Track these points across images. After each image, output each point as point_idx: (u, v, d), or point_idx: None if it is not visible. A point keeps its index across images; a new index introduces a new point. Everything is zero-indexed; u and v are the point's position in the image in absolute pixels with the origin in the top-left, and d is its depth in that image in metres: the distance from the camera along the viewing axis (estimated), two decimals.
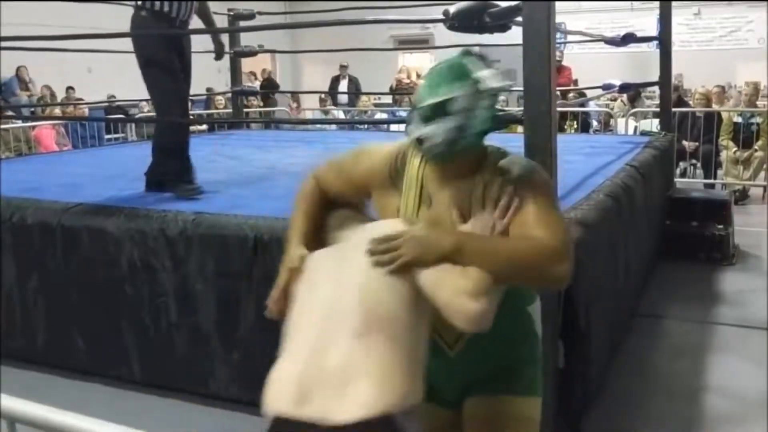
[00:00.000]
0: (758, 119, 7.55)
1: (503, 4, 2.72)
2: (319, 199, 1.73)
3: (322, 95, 9.95)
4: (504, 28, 2.76)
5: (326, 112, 9.61)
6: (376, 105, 10.99)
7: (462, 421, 1.71)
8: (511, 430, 1.66)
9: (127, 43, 3.66)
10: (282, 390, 1.39)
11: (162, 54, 3.53)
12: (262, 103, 10.02)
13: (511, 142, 2.71)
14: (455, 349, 1.63)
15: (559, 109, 8.25)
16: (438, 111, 1.48)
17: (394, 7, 5.31)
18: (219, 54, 4.35)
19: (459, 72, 1.50)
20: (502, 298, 1.48)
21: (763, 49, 12.55)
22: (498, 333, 1.49)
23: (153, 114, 4.98)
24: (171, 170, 3.62)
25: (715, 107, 7.94)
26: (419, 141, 1.52)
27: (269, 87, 11.08)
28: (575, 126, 8.49)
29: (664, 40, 5.53)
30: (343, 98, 10.27)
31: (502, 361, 1.68)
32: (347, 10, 5.50)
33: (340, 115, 9.51)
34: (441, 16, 2.83)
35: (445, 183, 1.58)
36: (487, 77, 1.49)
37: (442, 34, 14.23)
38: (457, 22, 2.80)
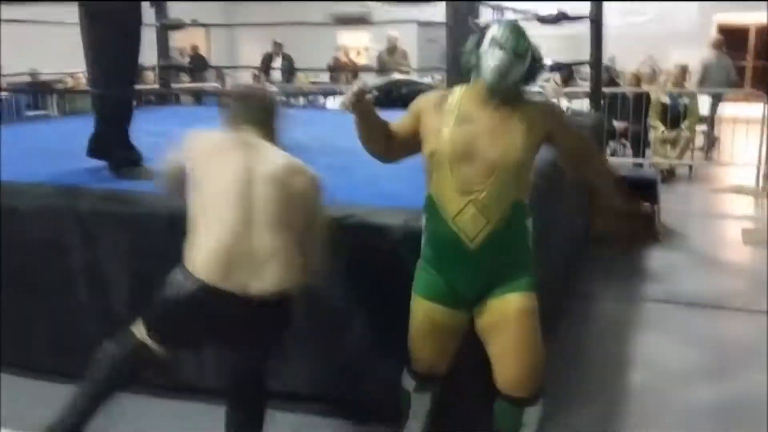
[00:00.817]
0: (686, 100, 7.74)
1: None
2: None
3: (255, 72, 9.72)
4: None
5: None
6: (313, 83, 10.80)
7: (475, 322, 2.25)
8: (520, 319, 2.18)
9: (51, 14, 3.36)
10: (210, 263, 2.01)
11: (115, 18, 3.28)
12: (191, 79, 9.73)
13: None
14: (475, 242, 2.13)
15: None
16: (519, 53, 2.12)
17: None
18: None
19: (525, 32, 2.18)
20: (519, 205, 2.17)
21: (694, 31, 12.88)
22: (510, 234, 2.17)
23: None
24: (114, 142, 3.43)
25: (644, 88, 8.09)
26: (498, 69, 2.09)
27: (197, 62, 10.72)
28: None
29: (596, 20, 5.55)
30: (277, 76, 10.05)
31: (510, 260, 2.20)
32: None
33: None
34: None
35: (483, 109, 2.16)
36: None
37: (379, 12, 14.16)
38: None
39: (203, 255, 2.04)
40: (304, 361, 2.76)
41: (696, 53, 12.05)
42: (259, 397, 2.30)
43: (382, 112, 2.27)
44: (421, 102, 2.29)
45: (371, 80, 5.88)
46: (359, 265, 2.64)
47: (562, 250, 4.01)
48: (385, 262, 2.61)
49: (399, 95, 2.81)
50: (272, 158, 2.20)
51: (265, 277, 2.05)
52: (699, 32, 12.52)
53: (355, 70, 9.70)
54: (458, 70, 2.42)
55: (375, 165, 2.37)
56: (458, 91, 2.24)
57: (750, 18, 13.68)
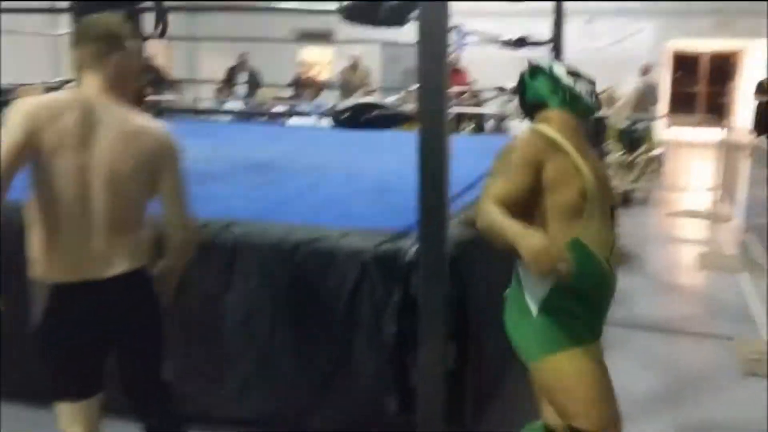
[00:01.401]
0: (642, 125, 7.92)
1: None
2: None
3: (218, 86, 9.63)
4: (402, 22, 2.69)
5: (222, 103, 9.29)
6: (275, 98, 10.73)
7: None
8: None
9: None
10: (56, 263, 1.90)
11: None
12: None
13: (406, 139, 2.68)
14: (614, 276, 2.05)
15: (456, 110, 8.38)
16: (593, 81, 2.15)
17: None
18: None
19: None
20: None
21: (648, 58, 13.20)
22: None
23: None
24: None
25: (602, 112, 8.24)
26: (592, 96, 2.11)
27: (150, 76, 10.53)
28: (471, 127, 8.61)
29: (555, 44, 5.65)
30: (241, 90, 9.96)
31: None
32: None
33: (237, 106, 9.21)
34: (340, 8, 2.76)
35: (579, 139, 2.06)
36: None
37: (343, 28, 14.19)
38: (354, 14, 2.72)
39: (50, 254, 1.89)
40: (268, 385, 2.71)
41: (652, 78, 12.38)
42: (167, 402, 2.14)
43: (341, 132, 2.25)
44: (533, 150, 1.98)
45: (339, 101, 5.85)
46: (329, 289, 2.61)
47: None
48: (356, 286, 2.59)
49: (368, 118, 2.80)
50: (117, 120, 1.90)
51: (116, 259, 1.93)
52: (654, 58, 12.84)
53: (317, 87, 9.66)
54: (430, 89, 2.43)
55: (341, 184, 2.36)
56: (548, 128, 2.04)
57: (702, 45, 14.13)
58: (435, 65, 2.43)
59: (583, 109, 2.11)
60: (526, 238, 1.77)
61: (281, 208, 3.07)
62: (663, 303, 4.89)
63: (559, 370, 1.99)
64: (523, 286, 2.07)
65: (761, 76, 11.28)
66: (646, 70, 10.11)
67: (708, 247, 6.22)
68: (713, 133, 7.60)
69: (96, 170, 1.87)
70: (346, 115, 2.71)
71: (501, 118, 9.02)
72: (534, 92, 2.14)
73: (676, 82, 14.51)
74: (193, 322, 2.69)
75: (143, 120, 1.98)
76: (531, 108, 2.17)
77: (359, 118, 2.77)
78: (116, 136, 1.89)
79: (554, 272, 1.76)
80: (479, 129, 8.74)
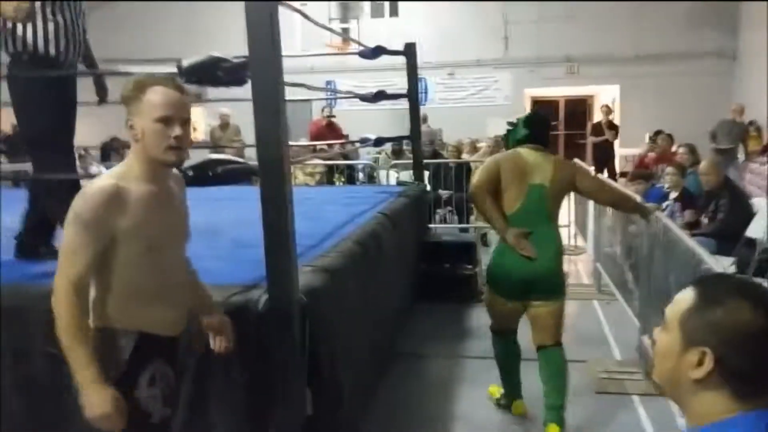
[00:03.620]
0: None
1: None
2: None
3: (82, 152, 9.36)
4: (240, 81, 2.80)
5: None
6: None
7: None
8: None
9: None
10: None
11: (45, 102, 3.05)
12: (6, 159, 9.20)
13: (252, 194, 2.76)
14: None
15: (327, 162, 8.56)
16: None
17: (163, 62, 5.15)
18: (102, 98, 3.74)
19: None
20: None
21: (508, 105, 14.04)
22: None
23: None
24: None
25: (465, 158, 8.68)
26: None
27: (11, 142, 10.15)
28: (342, 179, 8.81)
29: (411, 97, 5.96)
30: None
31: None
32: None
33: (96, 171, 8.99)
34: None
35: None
36: None
37: (213, 90, 14.18)
38: (194, 76, 2.80)
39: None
40: None
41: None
42: None
43: (195, 190, 2.31)
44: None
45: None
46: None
47: (386, 313, 4.16)
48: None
49: (215, 174, 2.84)
50: None
51: None
52: (512, 105, 13.67)
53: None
54: (268, 143, 2.52)
55: (194, 242, 2.38)
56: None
57: (557, 92, 15.19)
58: (271, 120, 2.53)
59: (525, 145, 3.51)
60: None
61: None
62: (526, 332, 5.13)
63: (563, 308, 3.50)
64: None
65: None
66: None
67: (568, 278, 6.62)
68: None
69: None
70: (191, 172, 2.74)
71: (372, 168, 9.29)
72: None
73: None
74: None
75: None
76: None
77: (207, 174, 2.82)
78: None
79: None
80: (350, 180, 8.95)
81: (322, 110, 10.88)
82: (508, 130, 3.60)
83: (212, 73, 2.70)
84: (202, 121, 14.31)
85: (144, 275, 1.92)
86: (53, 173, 3.07)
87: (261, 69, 2.49)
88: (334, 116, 11.00)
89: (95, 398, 1.77)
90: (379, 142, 5.97)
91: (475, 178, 3.48)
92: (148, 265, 1.92)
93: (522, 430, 3.57)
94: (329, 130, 9.99)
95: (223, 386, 2.59)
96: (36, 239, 3.23)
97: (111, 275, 1.89)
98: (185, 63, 2.74)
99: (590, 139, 12.17)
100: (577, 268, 7.03)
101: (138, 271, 1.91)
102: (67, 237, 1.84)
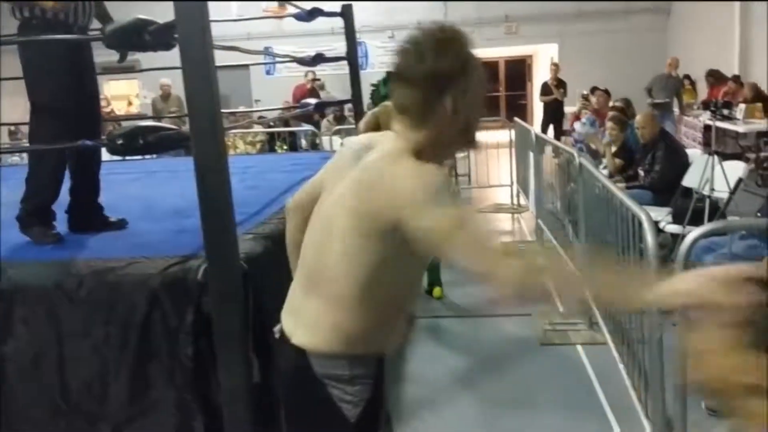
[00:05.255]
0: None
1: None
2: None
3: (11, 128, 9.02)
4: (168, 45, 2.69)
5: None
6: None
7: None
8: None
9: None
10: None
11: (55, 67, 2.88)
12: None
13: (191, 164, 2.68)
14: None
15: (267, 130, 8.44)
16: None
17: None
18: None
19: None
20: None
21: None
22: None
23: None
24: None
25: None
26: None
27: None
28: (285, 146, 8.71)
29: (350, 60, 5.86)
30: None
31: None
32: None
33: None
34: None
35: None
36: None
37: (147, 58, 13.75)
38: (116, 42, 2.68)
39: None
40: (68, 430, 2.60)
41: None
42: None
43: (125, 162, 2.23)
44: None
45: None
46: (120, 322, 2.54)
47: None
48: (148, 314, 2.54)
49: (148, 142, 2.73)
50: None
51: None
52: None
53: (116, 120, 9.33)
54: (200, 110, 2.45)
55: (133, 215, 2.32)
56: None
57: (497, 52, 15.23)
58: (202, 84, 2.45)
59: None
60: None
61: (66, 245, 2.95)
62: (471, 290, 5.22)
63: None
64: None
65: (546, 78, 12.43)
66: None
67: (511, 236, 6.73)
68: (512, 134, 8.21)
69: None
70: (121, 141, 2.64)
71: (314, 136, 9.19)
72: None
73: None
74: None
75: None
76: None
77: (136, 143, 2.71)
78: None
79: None
80: (293, 147, 8.85)
81: (306, 75, 10.68)
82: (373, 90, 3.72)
83: (137, 37, 2.59)
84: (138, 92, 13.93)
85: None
86: (49, 142, 2.90)
87: (188, 30, 2.40)
88: (318, 79, 10.81)
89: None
90: (319, 107, 5.88)
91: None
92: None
93: (470, 380, 3.63)
94: (312, 95, 9.82)
95: (166, 359, 2.55)
96: (32, 214, 3.00)
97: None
98: (109, 27, 2.63)
99: (540, 99, 12.16)
100: (521, 226, 7.13)
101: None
102: (442, 212, 1.40)
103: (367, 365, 1.65)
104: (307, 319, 1.64)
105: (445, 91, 1.53)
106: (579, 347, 3.97)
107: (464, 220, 1.41)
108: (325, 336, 1.59)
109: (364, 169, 1.57)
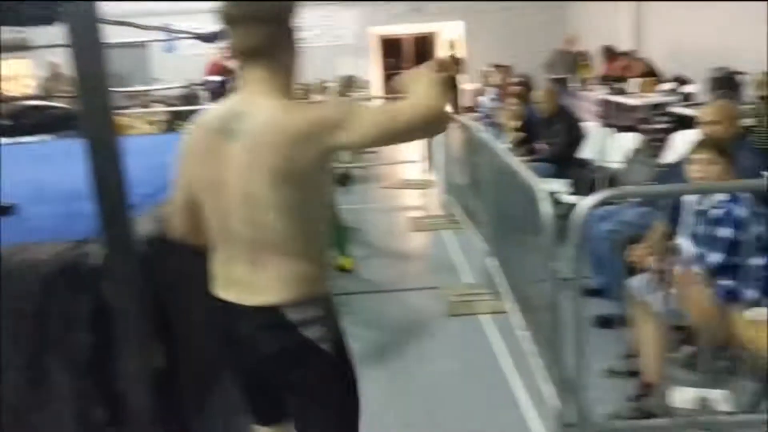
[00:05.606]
0: None
1: None
2: None
3: None
4: (50, 21, 2.56)
5: None
6: None
7: None
8: None
9: None
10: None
11: None
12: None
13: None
14: None
15: (169, 108, 8.15)
16: None
17: None
18: None
19: None
20: None
21: (354, 44, 14.00)
22: None
23: None
24: None
25: (314, 99, 8.58)
26: None
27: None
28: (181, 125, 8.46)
29: None
30: None
31: None
32: None
33: None
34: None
35: None
36: None
37: (39, 35, 13.03)
38: None
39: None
40: None
41: (360, 63, 13.12)
42: None
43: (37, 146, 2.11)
44: None
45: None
46: (13, 312, 2.41)
47: None
48: (42, 301, 2.43)
49: (35, 124, 2.60)
50: None
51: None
52: (359, 44, 13.64)
53: (4, 101, 8.82)
54: (89, 89, 2.35)
55: (23, 200, 2.20)
56: None
57: (403, 29, 15.29)
58: (89, 58, 2.34)
59: None
60: None
61: None
62: (382, 266, 5.27)
63: None
64: None
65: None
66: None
67: (419, 211, 6.81)
68: None
69: None
70: (6, 121, 2.50)
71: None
72: None
73: (386, 65, 15.55)
74: None
75: None
76: None
77: (21, 124, 2.59)
78: None
79: None
80: None
81: (222, 50, 10.28)
82: None
83: (15, 10, 2.45)
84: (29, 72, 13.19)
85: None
86: None
87: (73, 2, 2.27)
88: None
89: None
90: (225, 83, 5.74)
91: None
92: None
93: (380, 369, 3.67)
94: (227, 72, 9.45)
95: (64, 346, 2.45)
96: None
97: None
98: None
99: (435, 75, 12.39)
100: (428, 201, 7.23)
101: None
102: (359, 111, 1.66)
103: (327, 304, 1.84)
104: (268, 281, 1.76)
105: (286, 21, 1.73)
106: (484, 317, 4.08)
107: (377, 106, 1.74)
108: (293, 286, 1.75)
109: (262, 133, 1.67)
